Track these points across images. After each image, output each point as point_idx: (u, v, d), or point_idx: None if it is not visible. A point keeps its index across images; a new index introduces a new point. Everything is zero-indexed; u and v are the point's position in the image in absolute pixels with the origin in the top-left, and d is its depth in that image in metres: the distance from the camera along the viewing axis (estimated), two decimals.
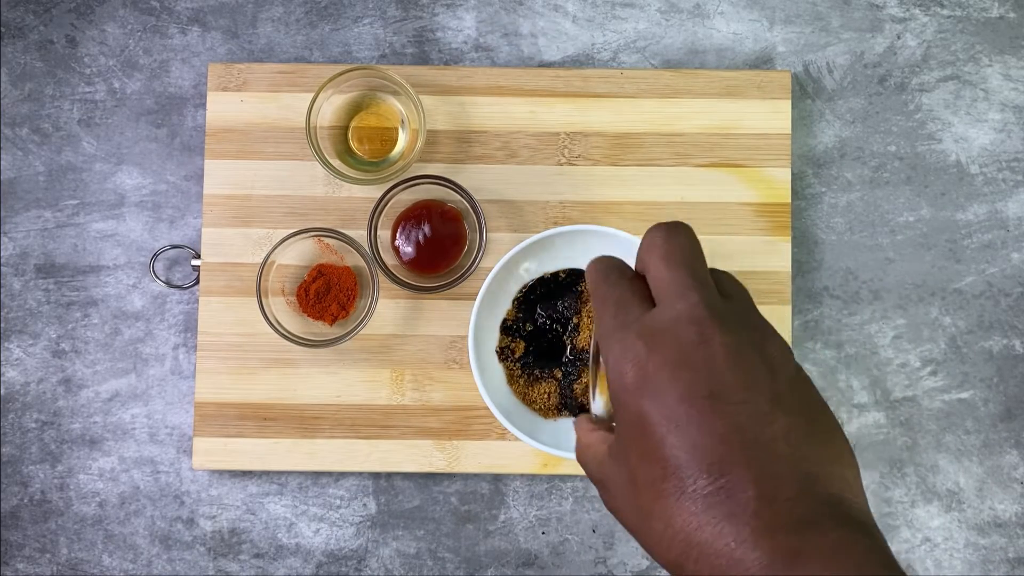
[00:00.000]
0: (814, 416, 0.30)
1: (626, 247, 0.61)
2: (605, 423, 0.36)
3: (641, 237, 0.34)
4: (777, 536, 0.26)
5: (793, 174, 0.69)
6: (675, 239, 0.32)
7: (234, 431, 0.66)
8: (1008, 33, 0.70)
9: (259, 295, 0.62)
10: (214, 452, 0.66)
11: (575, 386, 0.64)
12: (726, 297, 0.31)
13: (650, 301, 0.31)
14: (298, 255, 0.66)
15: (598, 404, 0.36)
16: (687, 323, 0.30)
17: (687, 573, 0.28)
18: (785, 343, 0.31)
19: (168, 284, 0.68)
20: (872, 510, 0.68)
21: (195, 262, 0.67)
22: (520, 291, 0.65)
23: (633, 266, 0.34)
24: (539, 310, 0.65)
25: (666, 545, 0.28)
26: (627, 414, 0.30)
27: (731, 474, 0.27)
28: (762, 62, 0.70)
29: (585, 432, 0.35)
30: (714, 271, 0.33)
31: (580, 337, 0.64)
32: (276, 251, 0.63)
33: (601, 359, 0.35)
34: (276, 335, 0.63)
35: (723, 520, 0.27)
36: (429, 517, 0.67)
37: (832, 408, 0.68)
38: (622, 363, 0.30)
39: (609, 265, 0.34)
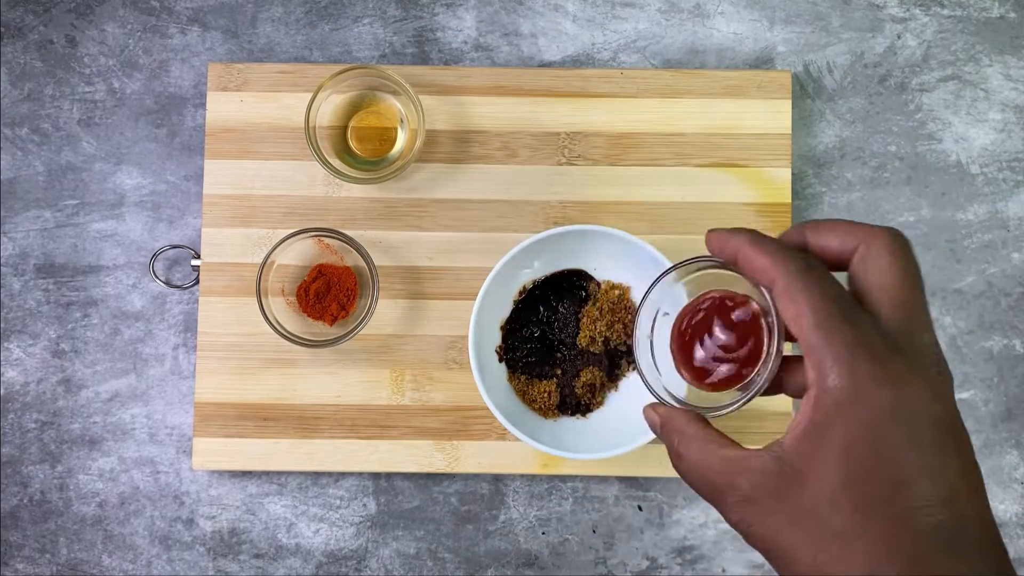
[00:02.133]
0: (967, 447, 0.30)
1: (626, 247, 0.61)
2: (697, 413, 0.33)
3: (816, 223, 0.31)
4: None
5: (793, 174, 0.69)
6: (912, 254, 0.30)
7: (234, 431, 0.66)
8: (1008, 33, 0.70)
9: (259, 295, 0.62)
10: (214, 452, 0.66)
11: (575, 386, 0.64)
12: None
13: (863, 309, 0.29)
14: (298, 255, 0.66)
15: (687, 390, 0.34)
16: (931, 361, 0.29)
17: None
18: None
19: (168, 284, 0.68)
20: None
21: (195, 262, 0.67)
22: (520, 291, 0.65)
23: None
24: (539, 310, 0.65)
25: None
26: (851, 424, 0.27)
27: (963, 511, 0.27)
28: (762, 62, 0.70)
29: (689, 425, 0.32)
30: None
31: (580, 336, 0.64)
32: (276, 251, 0.63)
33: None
34: (276, 335, 0.63)
35: (951, 555, 0.26)
36: (429, 517, 0.67)
37: None
38: (864, 371, 0.27)
39: (794, 245, 0.31)
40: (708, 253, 0.34)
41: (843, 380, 0.27)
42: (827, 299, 0.28)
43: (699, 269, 0.35)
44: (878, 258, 0.29)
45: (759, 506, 0.29)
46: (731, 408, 0.34)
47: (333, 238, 0.63)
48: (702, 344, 0.34)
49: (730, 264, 0.33)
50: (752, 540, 0.30)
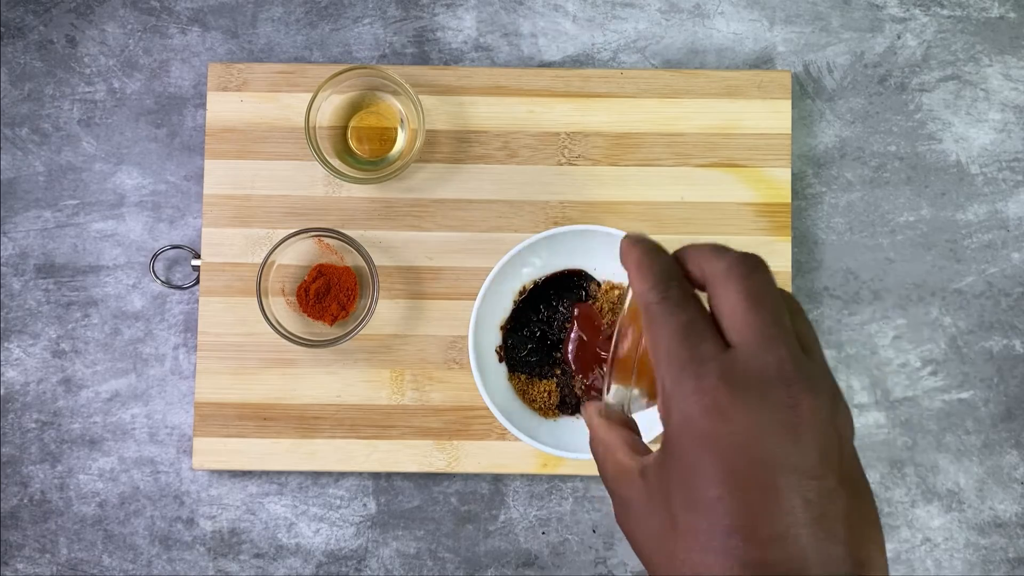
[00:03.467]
0: (866, 496, 0.29)
1: None
2: (618, 415, 0.34)
3: (688, 248, 0.31)
4: None
5: (793, 174, 0.69)
6: (759, 275, 0.30)
7: (234, 431, 0.66)
8: (1008, 33, 0.70)
9: (259, 295, 0.62)
10: (214, 452, 0.66)
11: (575, 385, 0.64)
12: (806, 350, 0.29)
13: (721, 337, 0.29)
14: (298, 255, 0.66)
15: (617, 393, 0.35)
16: (776, 381, 0.28)
17: None
18: (847, 405, 0.30)
19: (168, 284, 0.68)
20: None
21: (195, 262, 0.67)
22: (520, 291, 0.65)
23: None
24: (539, 310, 0.65)
25: None
26: (684, 456, 0.28)
27: (788, 550, 0.26)
28: (762, 62, 0.70)
29: (603, 429, 0.33)
30: (786, 301, 0.31)
31: None
32: (276, 251, 0.63)
33: (618, 347, 0.33)
34: (276, 335, 0.63)
35: None
36: (429, 517, 0.67)
37: None
38: (693, 403, 0.28)
39: (667, 268, 0.31)
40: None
41: (675, 416, 0.28)
42: (669, 334, 0.29)
43: None
44: (721, 284, 0.30)
45: (630, 515, 0.31)
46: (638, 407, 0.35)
47: (333, 238, 0.63)
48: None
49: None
50: (629, 541, 0.31)
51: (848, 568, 0.26)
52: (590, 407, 0.35)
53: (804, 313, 0.31)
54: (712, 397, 0.27)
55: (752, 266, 0.30)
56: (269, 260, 0.63)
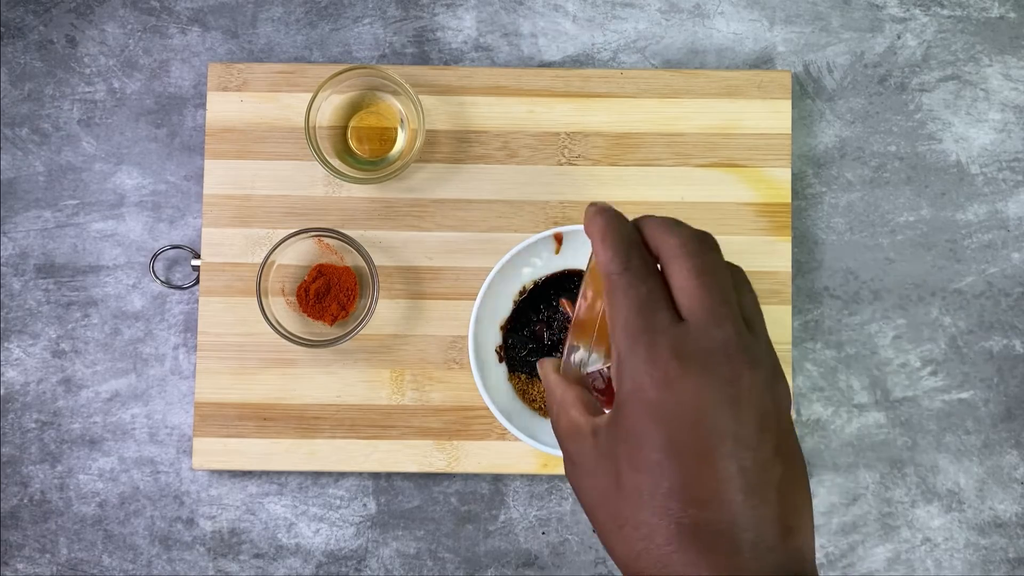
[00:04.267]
0: (799, 466, 0.30)
1: None
2: (575, 373, 0.36)
3: (647, 219, 0.33)
4: None
5: (793, 174, 0.69)
6: (709, 254, 0.32)
7: (234, 431, 0.66)
8: (1008, 33, 0.70)
9: (259, 295, 0.62)
10: (214, 452, 0.66)
11: None
12: (750, 326, 0.31)
13: (675, 309, 0.31)
14: (298, 255, 0.66)
15: (574, 351, 0.36)
16: (721, 356, 0.30)
17: None
18: (786, 381, 0.32)
19: (168, 284, 0.68)
20: (872, 510, 0.68)
21: (195, 262, 0.67)
22: (520, 291, 0.65)
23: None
24: (540, 310, 0.65)
25: (634, 556, 0.29)
26: (632, 421, 0.30)
27: (722, 512, 0.28)
28: (762, 62, 0.70)
29: (559, 386, 0.35)
30: (734, 275, 0.32)
31: None
32: (276, 251, 0.63)
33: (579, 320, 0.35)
34: (276, 335, 0.63)
35: (703, 553, 0.28)
36: (429, 517, 0.67)
37: (832, 408, 0.68)
38: (644, 372, 0.30)
39: (629, 240, 0.32)
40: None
41: (627, 382, 0.30)
42: (627, 305, 0.31)
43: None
44: (674, 260, 0.32)
45: (578, 471, 0.33)
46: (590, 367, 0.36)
47: (333, 238, 0.63)
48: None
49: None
50: (575, 495, 0.33)
51: (776, 532, 0.28)
52: (546, 363, 0.37)
53: (749, 285, 0.33)
54: (663, 369, 0.29)
55: (703, 244, 0.32)
56: (269, 260, 0.63)
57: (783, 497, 0.29)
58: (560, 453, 0.60)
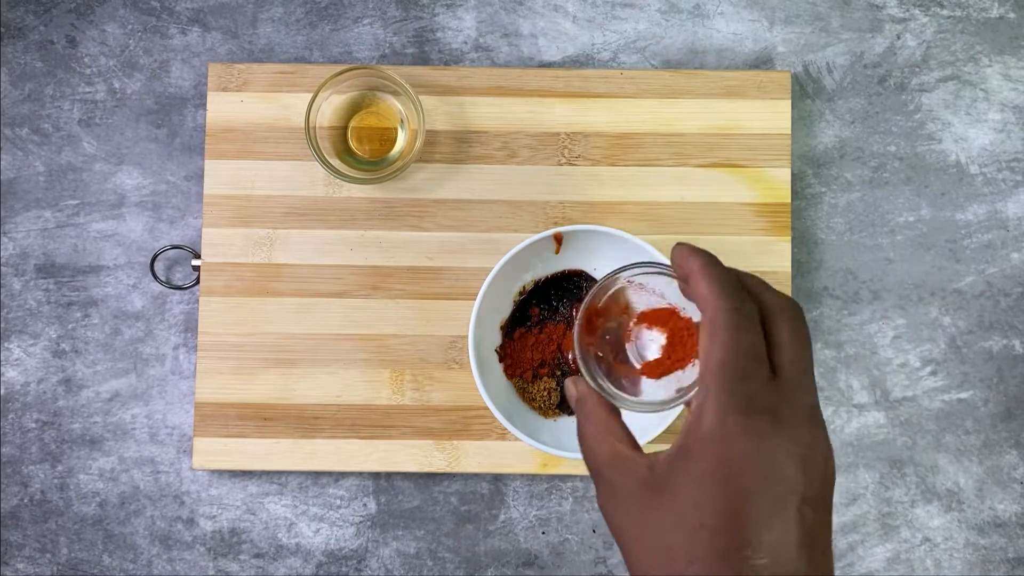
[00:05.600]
0: (831, 511, 0.33)
1: (627, 248, 0.61)
2: (607, 399, 0.36)
3: (741, 272, 0.34)
4: None
5: (793, 174, 0.69)
6: (805, 321, 0.34)
7: (234, 431, 0.66)
8: (1008, 33, 0.70)
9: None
10: (214, 452, 0.66)
11: None
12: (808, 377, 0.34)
13: (769, 363, 0.32)
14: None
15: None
16: (807, 421, 0.32)
17: None
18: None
19: (168, 284, 0.68)
20: (872, 510, 0.68)
21: (195, 262, 0.67)
22: (520, 291, 0.65)
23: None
24: (540, 310, 0.65)
25: None
26: (709, 464, 0.31)
27: (779, 562, 0.30)
28: (762, 62, 0.70)
29: (598, 407, 0.36)
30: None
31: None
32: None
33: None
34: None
35: None
36: (429, 517, 0.67)
37: (832, 408, 0.68)
38: (735, 422, 0.31)
39: (737, 282, 0.34)
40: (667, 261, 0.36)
41: (713, 423, 0.31)
42: (735, 348, 0.32)
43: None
44: (781, 317, 0.33)
45: (621, 502, 0.33)
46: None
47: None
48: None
49: (681, 280, 0.36)
50: (609, 525, 0.34)
51: None
52: (579, 382, 0.37)
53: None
54: (755, 422, 0.31)
55: (801, 310, 0.35)
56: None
57: (826, 555, 0.31)
58: (558, 453, 0.60)
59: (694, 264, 0.34)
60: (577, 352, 0.38)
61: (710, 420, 0.31)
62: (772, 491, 0.30)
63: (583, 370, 0.38)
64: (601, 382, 0.37)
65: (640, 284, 0.39)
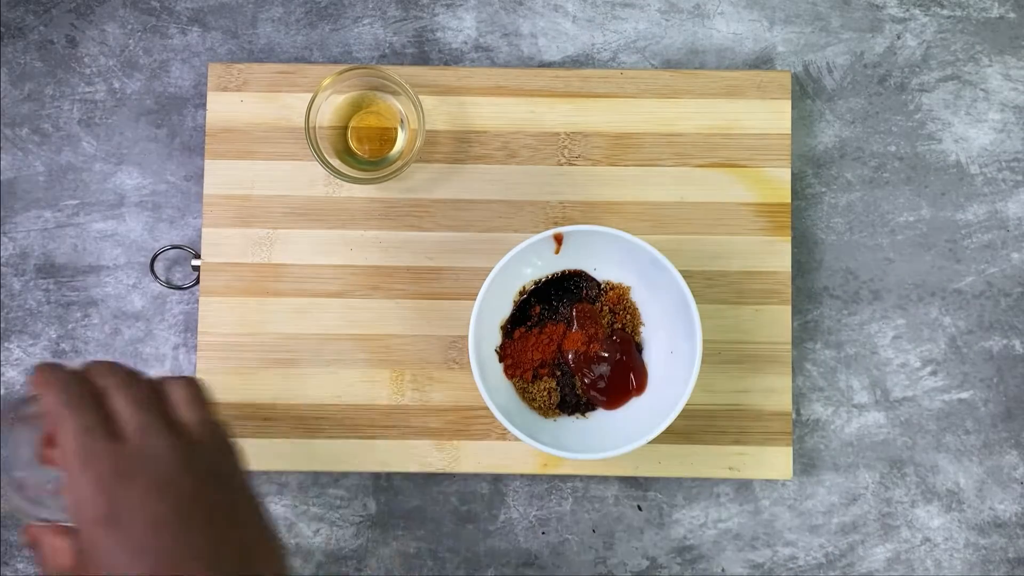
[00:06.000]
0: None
1: (627, 248, 0.61)
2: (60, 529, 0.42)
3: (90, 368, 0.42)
4: None
5: (793, 174, 0.69)
6: (143, 384, 0.43)
7: (234, 431, 0.66)
8: (1008, 33, 0.70)
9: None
10: None
11: (575, 385, 0.64)
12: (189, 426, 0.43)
13: (115, 432, 0.40)
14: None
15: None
16: (153, 462, 0.40)
17: None
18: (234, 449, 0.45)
19: (168, 284, 0.68)
20: (872, 510, 0.68)
21: (195, 262, 0.67)
22: (520, 291, 0.65)
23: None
24: (540, 310, 0.65)
25: None
26: (84, 541, 0.39)
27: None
28: (762, 62, 0.70)
29: (51, 540, 0.41)
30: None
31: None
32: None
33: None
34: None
35: None
36: (429, 517, 0.67)
37: (832, 408, 0.68)
38: (82, 493, 0.38)
39: (68, 379, 0.41)
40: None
41: (72, 499, 0.38)
42: (76, 433, 0.39)
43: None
44: (116, 393, 0.42)
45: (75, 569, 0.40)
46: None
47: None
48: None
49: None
50: None
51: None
52: (43, 531, 0.42)
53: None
54: (106, 486, 0.38)
55: (135, 381, 0.42)
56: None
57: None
58: (558, 453, 0.60)
59: (39, 381, 0.41)
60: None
61: (67, 498, 0.39)
62: (125, 546, 0.38)
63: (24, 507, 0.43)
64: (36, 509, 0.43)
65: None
